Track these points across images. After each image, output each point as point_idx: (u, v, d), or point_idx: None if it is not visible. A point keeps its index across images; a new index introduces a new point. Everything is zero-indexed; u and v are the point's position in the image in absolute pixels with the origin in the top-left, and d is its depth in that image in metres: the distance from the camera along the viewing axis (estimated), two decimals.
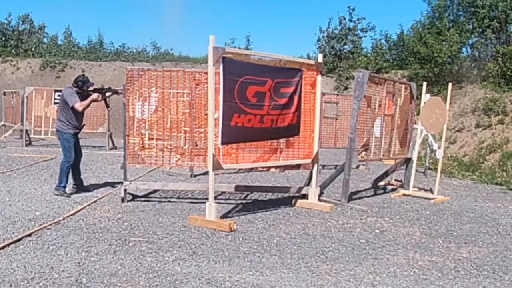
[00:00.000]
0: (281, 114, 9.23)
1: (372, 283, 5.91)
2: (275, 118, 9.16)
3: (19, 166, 14.08)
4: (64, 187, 10.17)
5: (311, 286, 5.73)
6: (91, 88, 10.51)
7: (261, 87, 8.85)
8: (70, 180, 10.48)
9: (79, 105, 9.99)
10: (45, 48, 31.61)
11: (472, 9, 22.86)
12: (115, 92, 10.81)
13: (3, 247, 6.55)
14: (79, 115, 10.32)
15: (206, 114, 9.04)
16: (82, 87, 10.24)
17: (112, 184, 11.54)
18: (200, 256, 6.62)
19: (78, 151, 10.65)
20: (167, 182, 11.48)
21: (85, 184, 10.92)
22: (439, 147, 12.61)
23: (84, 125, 10.97)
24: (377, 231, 8.42)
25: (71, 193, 10.24)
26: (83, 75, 10.84)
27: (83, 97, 10.18)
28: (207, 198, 8.68)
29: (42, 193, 10.32)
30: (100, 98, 10.56)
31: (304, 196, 10.21)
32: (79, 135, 10.68)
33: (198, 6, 73.25)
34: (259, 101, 8.84)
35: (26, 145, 20.08)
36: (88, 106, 10.42)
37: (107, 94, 10.77)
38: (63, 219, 8.26)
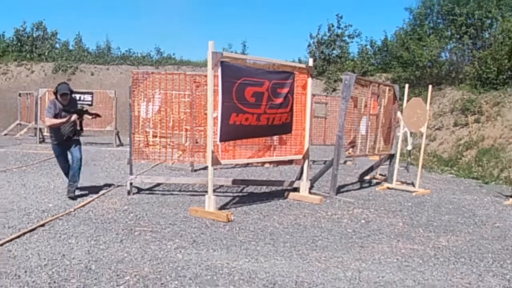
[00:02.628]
0: (277, 113, 9.25)
1: (358, 269, 5.92)
2: (271, 116, 9.18)
3: (33, 161, 14.07)
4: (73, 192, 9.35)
5: (302, 272, 5.74)
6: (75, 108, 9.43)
7: (259, 87, 8.87)
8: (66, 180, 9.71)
9: (47, 120, 9.18)
10: (57, 53, 31.57)
11: (451, 17, 22.92)
12: (97, 115, 10.00)
13: (19, 236, 6.56)
14: (64, 125, 9.14)
15: (205, 114, 9.06)
16: (57, 97, 9.10)
17: (119, 178, 11.54)
18: (200, 245, 6.63)
19: (73, 155, 9.42)
20: (170, 176, 11.49)
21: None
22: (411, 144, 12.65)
23: (81, 129, 9.57)
24: (363, 221, 8.44)
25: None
26: (62, 83, 9.52)
27: (68, 113, 9.07)
28: (206, 191, 8.66)
29: (55, 186, 10.31)
30: (77, 120, 9.19)
31: (296, 189, 10.22)
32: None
33: (198, 13, 73.43)
34: (257, 101, 8.86)
35: (40, 142, 20.09)
36: (57, 124, 9.06)
37: (84, 115, 9.48)
38: (74, 210, 8.27)
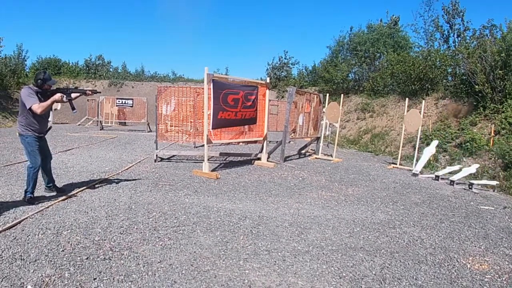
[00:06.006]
0: (247, 111, 9.24)
1: (297, 208, 6.02)
2: (244, 113, 9.17)
3: (96, 141, 13.81)
4: (31, 193, 5.51)
5: (262, 210, 5.81)
6: (54, 88, 5.64)
7: (236, 95, 8.86)
8: (43, 183, 6.14)
9: (37, 107, 5.22)
10: (111, 74, 31.54)
11: (355, 52, 22.98)
12: (83, 92, 5.77)
13: (87, 188, 6.50)
14: (40, 118, 5.44)
15: (203, 112, 9.01)
16: (42, 86, 5.40)
17: (149, 152, 11.42)
18: (199, 193, 6.65)
19: (48, 154, 5.86)
20: (180, 150, 11.41)
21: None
22: (329, 130, 12.70)
23: (50, 127, 5.85)
24: (300, 178, 8.54)
25: (35, 198, 5.58)
26: (44, 72, 5.51)
27: (45, 98, 5.41)
28: (203, 160, 8.67)
29: (109, 157, 10.16)
30: (64, 99, 5.44)
31: (259, 159, 10.26)
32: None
33: (199, 47, 72.77)
34: (235, 104, 8.85)
35: (100, 129, 19.91)
36: (48, 107, 5.32)
37: (73, 95, 5.65)
38: (121, 171, 8.18)
